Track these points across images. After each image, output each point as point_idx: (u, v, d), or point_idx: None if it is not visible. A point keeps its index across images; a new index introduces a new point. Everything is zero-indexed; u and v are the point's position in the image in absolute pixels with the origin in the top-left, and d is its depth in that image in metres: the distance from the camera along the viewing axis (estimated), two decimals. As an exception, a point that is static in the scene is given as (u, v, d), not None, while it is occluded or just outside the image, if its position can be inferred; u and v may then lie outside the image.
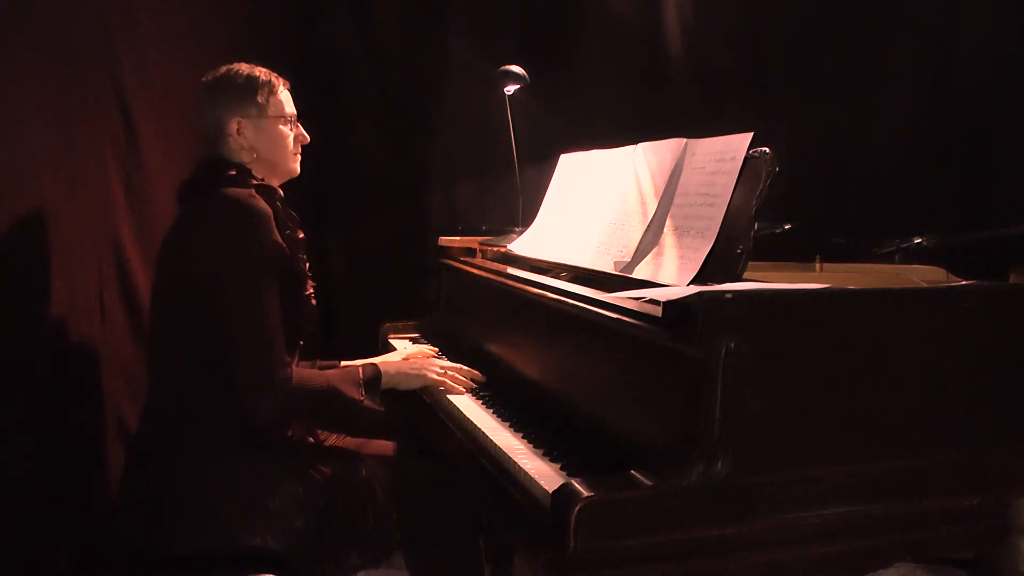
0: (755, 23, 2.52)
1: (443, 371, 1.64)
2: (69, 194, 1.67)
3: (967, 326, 1.17)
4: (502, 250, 1.93)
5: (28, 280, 1.58)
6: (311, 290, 1.57)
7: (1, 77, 1.50)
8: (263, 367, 1.40)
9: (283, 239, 1.46)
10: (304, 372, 1.50)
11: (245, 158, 1.55)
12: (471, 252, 2.14)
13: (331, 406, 1.50)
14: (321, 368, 1.80)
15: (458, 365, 1.68)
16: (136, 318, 1.85)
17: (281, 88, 1.60)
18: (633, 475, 1.03)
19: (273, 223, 1.44)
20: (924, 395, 1.15)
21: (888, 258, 1.92)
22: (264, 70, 1.59)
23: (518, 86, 2.22)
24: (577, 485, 1.00)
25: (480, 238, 2.15)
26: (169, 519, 1.39)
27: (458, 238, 2.21)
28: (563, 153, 1.91)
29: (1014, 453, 1.19)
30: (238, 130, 1.54)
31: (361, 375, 1.54)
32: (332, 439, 1.68)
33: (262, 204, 1.44)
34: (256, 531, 1.38)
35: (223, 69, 1.58)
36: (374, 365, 1.60)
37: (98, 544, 1.48)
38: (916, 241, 1.93)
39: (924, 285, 1.54)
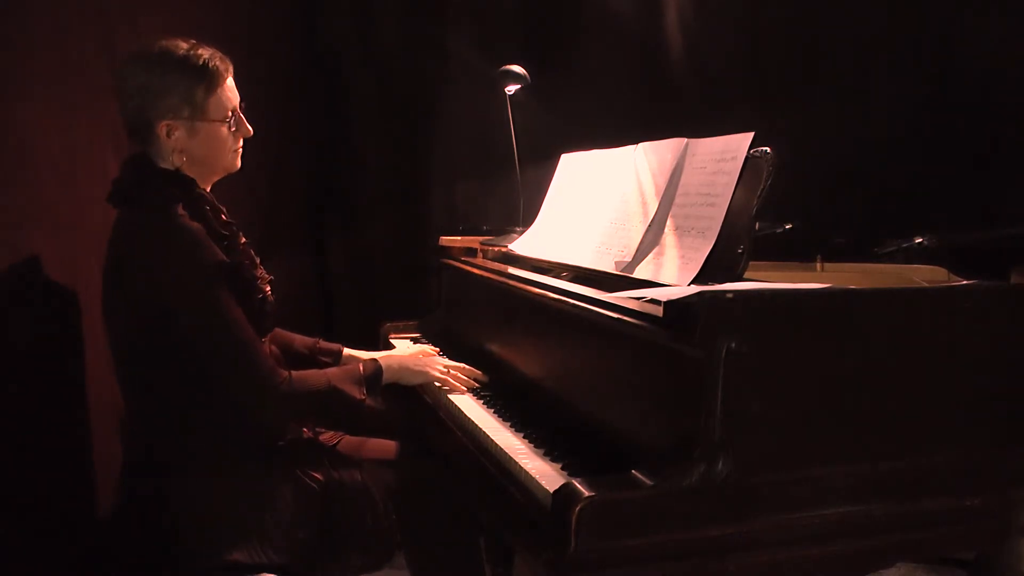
0: (755, 22, 2.52)
1: (445, 370, 1.63)
2: (70, 192, 1.68)
3: (968, 326, 1.17)
4: (503, 250, 1.93)
5: (30, 278, 1.58)
6: (267, 288, 1.49)
7: (2, 77, 1.50)
8: (256, 383, 1.38)
9: (223, 249, 1.39)
10: (303, 373, 1.48)
11: (175, 160, 1.42)
12: (472, 252, 2.14)
13: (332, 406, 1.48)
14: (322, 349, 1.79)
15: (461, 364, 1.68)
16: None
17: (221, 80, 1.40)
18: (634, 475, 1.03)
19: (207, 240, 1.36)
20: (925, 395, 1.15)
21: (889, 258, 1.92)
22: (207, 53, 1.38)
23: (519, 86, 2.22)
24: (578, 485, 1.01)
25: (481, 238, 2.15)
26: (166, 537, 1.38)
27: (459, 238, 2.21)
28: (564, 153, 1.91)
29: (1015, 453, 1.19)
30: (168, 132, 1.39)
31: (362, 371, 1.51)
32: (328, 435, 1.67)
33: (190, 225, 1.35)
34: (255, 546, 1.37)
35: (155, 49, 1.35)
36: (375, 361, 1.57)
37: (96, 557, 1.47)
38: (917, 241, 1.92)
39: (925, 285, 1.54)
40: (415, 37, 2.69)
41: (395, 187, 2.76)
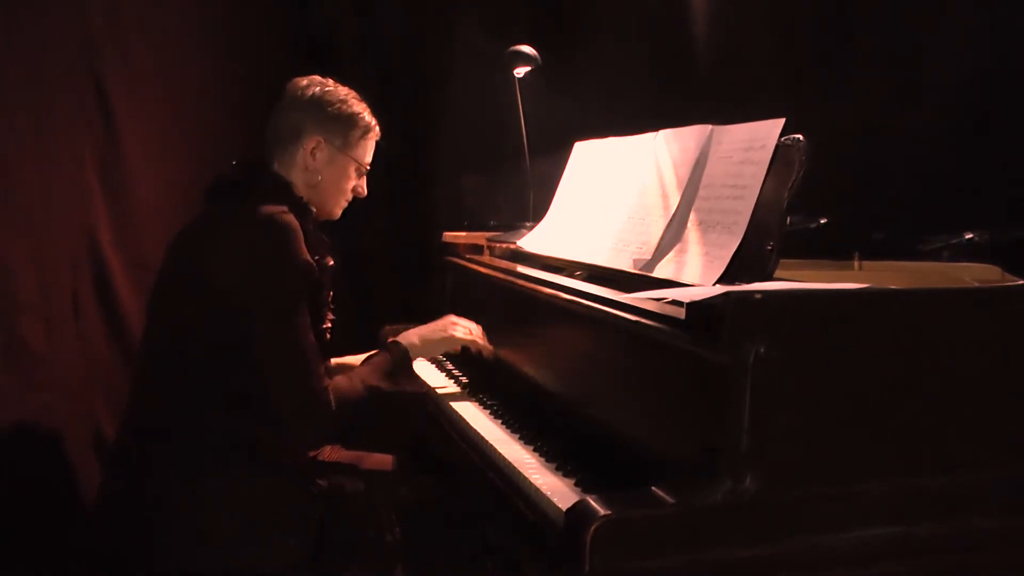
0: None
1: (467, 330, 1.71)
2: (40, 183, 1.69)
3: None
4: (511, 247, 1.94)
5: (1, 281, 1.60)
6: (329, 323, 1.60)
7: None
8: (306, 397, 1.44)
9: (312, 262, 1.49)
10: (339, 386, 1.51)
11: (303, 176, 1.59)
12: (478, 249, 2.15)
13: (372, 406, 1.55)
14: None
15: (478, 327, 1.75)
16: (114, 319, 1.86)
17: (372, 136, 1.67)
18: (654, 492, 1.03)
19: (302, 241, 1.47)
20: (976, 404, 1.14)
21: (935, 255, 1.91)
22: (368, 110, 1.66)
23: (529, 68, 2.23)
24: (593, 502, 1.01)
25: (488, 234, 2.16)
26: (154, 537, 1.41)
27: (464, 234, 2.22)
28: (578, 141, 1.92)
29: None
30: (314, 149, 1.59)
31: (391, 359, 1.60)
32: (327, 452, 1.69)
33: (293, 220, 1.47)
34: (248, 550, 1.40)
35: (330, 84, 1.63)
36: (397, 343, 1.65)
37: (74, 562, 1.50)
38: (967, 237, 1.91)
39: (976, 285, 1.53)
40: (417, 16, 2.70)
41: (395, 179, 2.75)
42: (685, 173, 1.45)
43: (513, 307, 1.73)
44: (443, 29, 2.69)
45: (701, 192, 1.41)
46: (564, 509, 1.05)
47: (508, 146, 2.33)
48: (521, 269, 1.72)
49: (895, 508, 1.10)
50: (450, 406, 1.62)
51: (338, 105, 1.61)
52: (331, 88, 1.62)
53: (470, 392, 1.72)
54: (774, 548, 1.06)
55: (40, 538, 1.64)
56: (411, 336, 1.67)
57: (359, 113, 1.63)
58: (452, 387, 1.79)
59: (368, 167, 1.69)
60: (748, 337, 1.03)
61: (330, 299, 1.60)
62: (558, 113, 2.42)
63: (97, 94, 1.86)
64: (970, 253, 1.86)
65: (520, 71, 2.23)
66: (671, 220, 1.43)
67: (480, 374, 1.74)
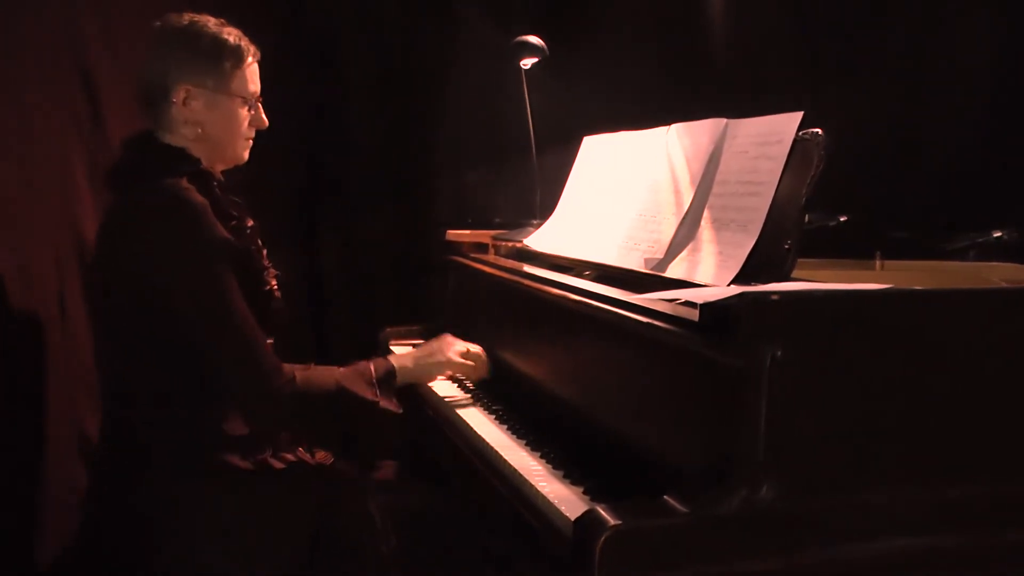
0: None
1: (464, 353, 1.69)
2: (24, 178, 1.69)
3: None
4: (517, 245, 1.94)
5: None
6: (273, 283, 1.56)
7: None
8: (256, 373, 1.42)
9: (229, 231, 1.44)
10: (309, 373, 1.51)
11: (186, 133, 1.49)
12: (482, 248, 2.15)
13: (342, 410, 1.51)
14: None
15: (477, 348, 1.74)
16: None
17: (249, 60, 1.53)
18: (666, 501, 1.03)
19: (212, 216, 1.41)
20: (1005, 409, 1.14)
21: (961, 255, 1.90)
22: (235, 33, 1.52)
23: (536, 59, 2.23)
24: (602, 512, 1.01)
25: (492, 232, 2.16)
26: (138, 552, 1.41)
27: (468, 232, 2.22)
28: (586, 135, 1.92)
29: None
30: (185, 99, 1.47)
31: (373, 371, 1.55)
32: (320, 458, 1.69)
33: (196, 197, 1.41)
34: (237, 562, 1.39)
35: (185, 20, 1.49)
36: (386, 360, 1.61)
37: (62, 567, 1.50)
38: (994, 235, 1.91)
39: (1005, 285, 1.52)
40: (419, 5, 2.71)
41: (395, 174, 2.77)
42: (699, 168, 1.45)
43: (519, 308, 1.73)
44: (446, 19, 2.69)
45: (715, 188, 1.41)
46: (572, 519, 1.05)
47: (514, 141, 2.33)
48: (527, 269, 1.73)
49: (920, 519, 1.10)
50: (452, 410, 1.62)
51: (196, 41, 1.46)
52: (182, 24, 1.47)
53: (473, 396, 1.72)
54: (791, 560, 1.05)
55: (25, 542, 1.64)
56: (405, 358, 1.63)
57: (224, 41, 1.47)
58: (454, 390, 1.79)
59: (258, 96, 1.55)
60: (764, 340, 1.03)
61: (264, 257, 1.54)
62: (566, 106, 2.42)
63: (86, 93, 1.86)
64: (998, 252, 1.86)
65: (526, 62, 2.23)
66: (684, 218, 1.43)
67: (483, 378, 1.73)
